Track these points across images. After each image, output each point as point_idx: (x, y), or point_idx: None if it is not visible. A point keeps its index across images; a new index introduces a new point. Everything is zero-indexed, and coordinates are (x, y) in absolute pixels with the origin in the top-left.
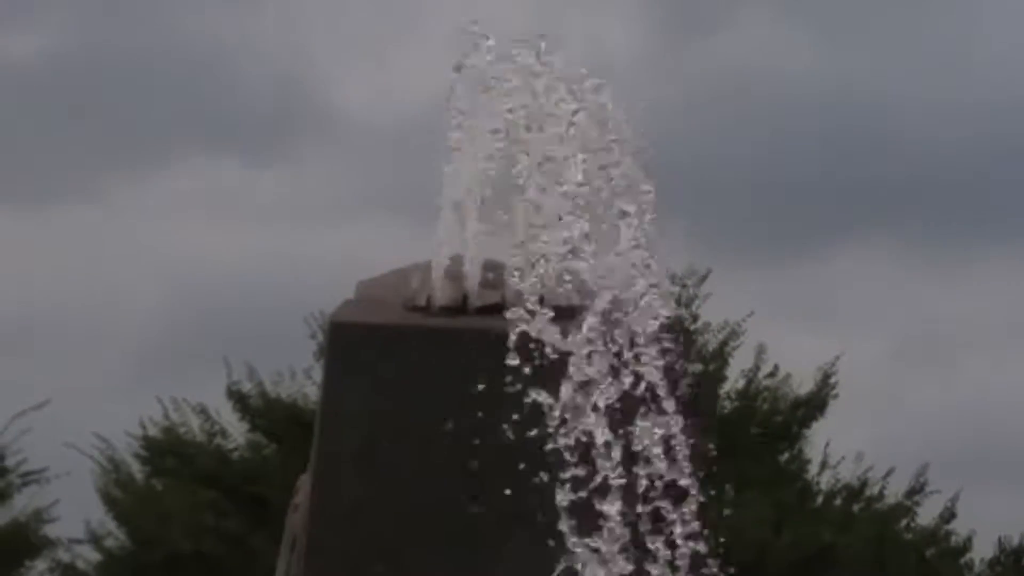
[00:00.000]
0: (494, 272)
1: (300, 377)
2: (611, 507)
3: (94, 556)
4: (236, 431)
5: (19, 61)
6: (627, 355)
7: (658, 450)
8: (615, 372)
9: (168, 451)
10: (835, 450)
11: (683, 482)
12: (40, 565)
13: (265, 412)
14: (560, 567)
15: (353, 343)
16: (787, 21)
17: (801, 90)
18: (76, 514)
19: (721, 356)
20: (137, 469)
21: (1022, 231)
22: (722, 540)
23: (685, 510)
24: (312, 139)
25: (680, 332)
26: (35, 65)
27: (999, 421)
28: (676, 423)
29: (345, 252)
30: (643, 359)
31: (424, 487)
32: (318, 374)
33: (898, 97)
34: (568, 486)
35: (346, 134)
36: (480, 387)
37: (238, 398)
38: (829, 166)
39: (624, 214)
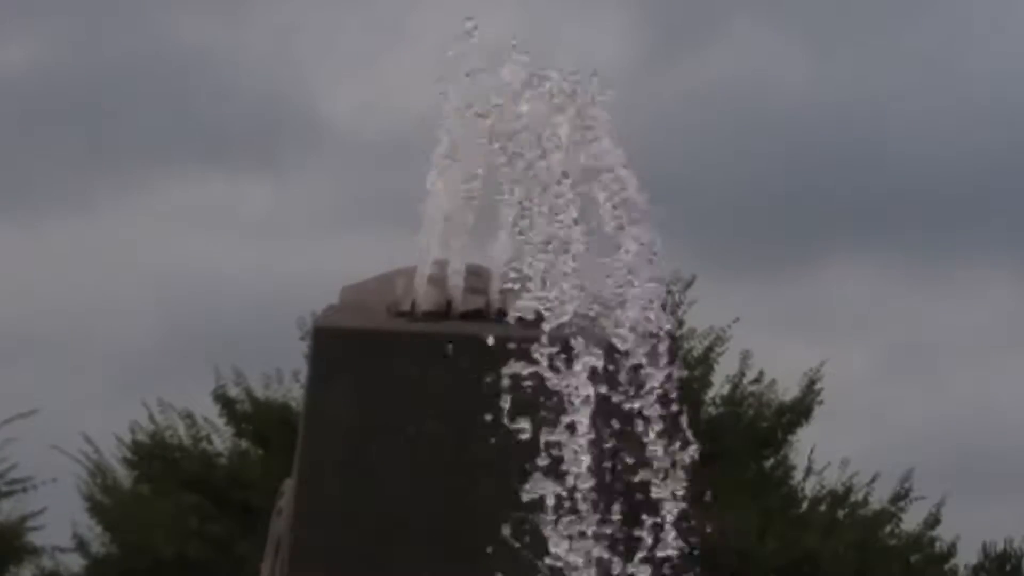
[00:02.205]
0: (478, 277)
1: (288, 380)
2: (593, 512)
3: (79, 563)
4: (222, 435)
5: (11, 72)
6: (613, 363)
7: (642, 455)
8: (602, 380)
9: (154, 456)
10: (822, 458)
11: (667, 488)
12: (24, 572)
13: (252, 416)
14: (543, 571)
15: (337, 348)
16: (780, 33)
17: (793, 101)
18: (63, 521)
19: (706, 362)
20: (124, 474)
21: (1010, 243)
22: (705, 545)
23: (669, 516)
24: (301, 151)
25: (669, 339)
26: (27, 76)
27: (984, 430)
28: (661, 427)
29: (334, 262)
30: (632, 368)
31: (408, 491)
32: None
33: (890, 109)
34: (551, 492)
35: (335, 146)
36: (464, 392)
37: (225, 402)
38: (819, 177)
39: (615, 225)
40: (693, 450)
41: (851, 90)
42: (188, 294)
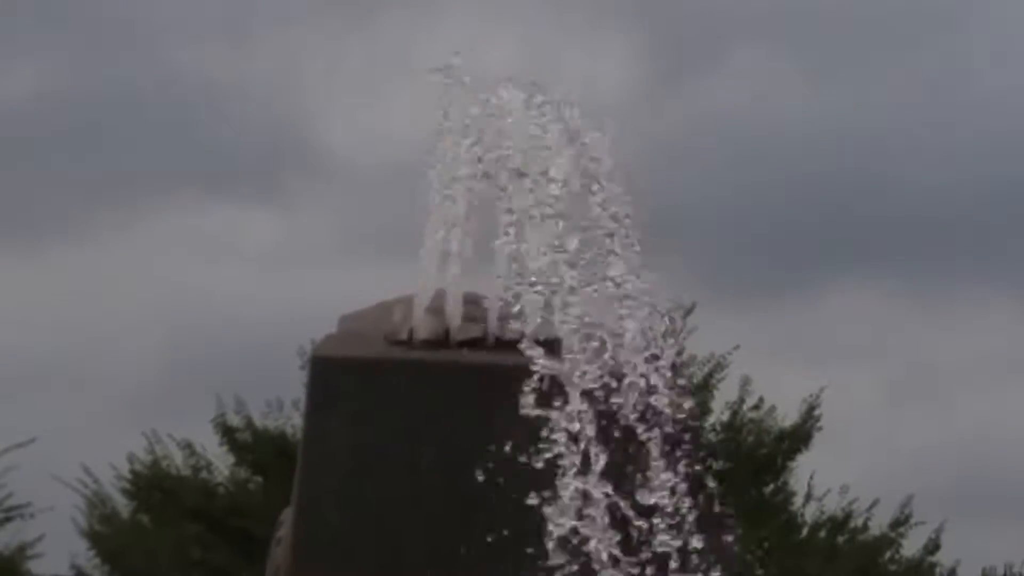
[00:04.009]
0: (476, 306)
1: (288, 408)
2: (600, 540)
3: None
4: (222, 464)
5: (12, 99)
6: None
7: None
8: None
9: (153, 486)
10: (822, 484)
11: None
12: None
13: (252, 445)
14: None
15: (335, 377)
16: (782, 61)
17: (795, 129)
18: (61, 550)
19: (706, 389)
20: (123, 504)
21: (1010, 270)
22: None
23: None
24: (304, 180)
25: (673, 367)
26: (29, 103)
27: (984, 455)
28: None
29: (336, 291)
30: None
31: (406, 519)
32: None
33: (892, 136)
34: (556, 518)
35: (338, 175)
36: (462, 420)
37: (224, 430)
38: (822, 204)
39: (615, 251)
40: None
41: (852, 118)
42: (189, 323)
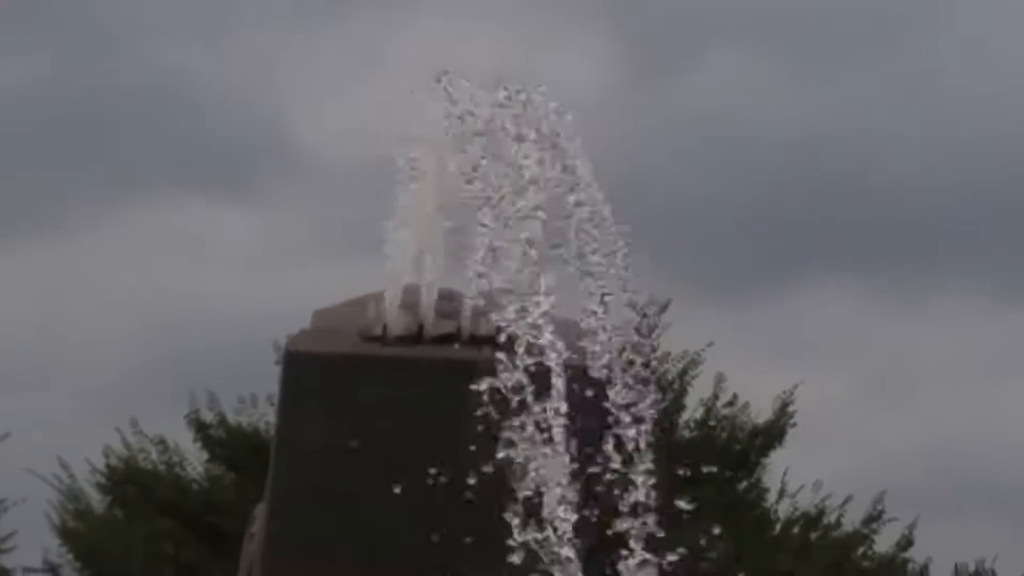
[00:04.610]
0: (449, 302)
1: (262, 404)
2: (570, 532)
3: None
4: (195, 460)
5: None
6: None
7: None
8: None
9: (127, 481)
10: (796, 481)
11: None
12: None
13: (226, 441)
14: None
15: (309, 372)
16: (757, 61)
17: (769, 128)
18: (34, 544)
19: (680, 385)
20: (97, 500)
21: (983, 270)
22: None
23: (642, 537)
24: (278, 177)
25: (645, 363)
26: (2, 101)
27: (956, 452)
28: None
29: (311, 288)
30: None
31: (379, 515)
32: None
33: (866, 136)
34: (526, 517)
35: (312, 173)
36: (436, 415)
37: (198, 426)
38: (797, 202)
39: (588, 250)
40: (672, 470)
41: (826, 118)
42: (164, 319)
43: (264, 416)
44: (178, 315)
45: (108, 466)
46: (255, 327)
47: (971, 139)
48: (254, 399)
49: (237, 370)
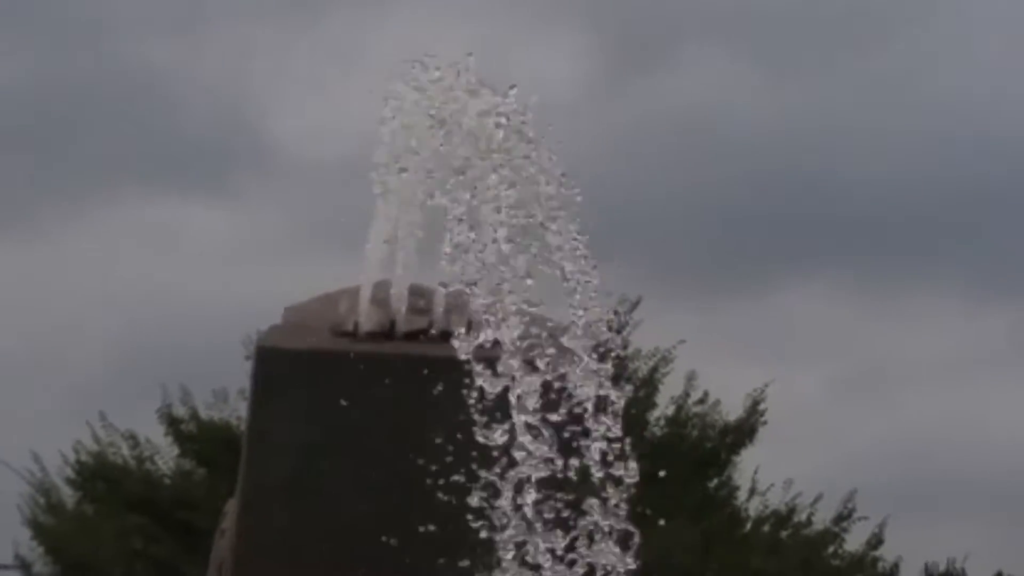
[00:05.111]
0: (421, 298)
1: (234, 399)
2: (540, 528)
3: None
4: (165, 456)
5: None
6: (559, 379)
7: (586, 473)
8: (546, 397)
9: (98, 476)
10: (767, 479)
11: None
12: None
13: (197, 436)
14: None
15: (280, 367)
16: (730, 59)
17: (745, 127)
18: (6, 537)
19: (651, 383)
20: (68, 495)
21: (957, 270)
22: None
23: (612, 535)
24: (252, 173)
25: (613, 357)
26: None
27: (927, 452)
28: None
29: (284, 283)
30: (575, 383)
31: (351, 512)
32: None
33: (841, 135)
34: (499, 510)
35: (286, 168)
36: (408, 411)
37: (170, 421)
38: (771, 201)
39: (559, 246)
40: (634, 469)
41: (802, 117)
42: (137, 315)
43: (236, 411)
44: (151, 310)
45: (78, 461)
46: (228, 322)
47: (948, 139)
48: (226, 394)
49: (209, 365)
